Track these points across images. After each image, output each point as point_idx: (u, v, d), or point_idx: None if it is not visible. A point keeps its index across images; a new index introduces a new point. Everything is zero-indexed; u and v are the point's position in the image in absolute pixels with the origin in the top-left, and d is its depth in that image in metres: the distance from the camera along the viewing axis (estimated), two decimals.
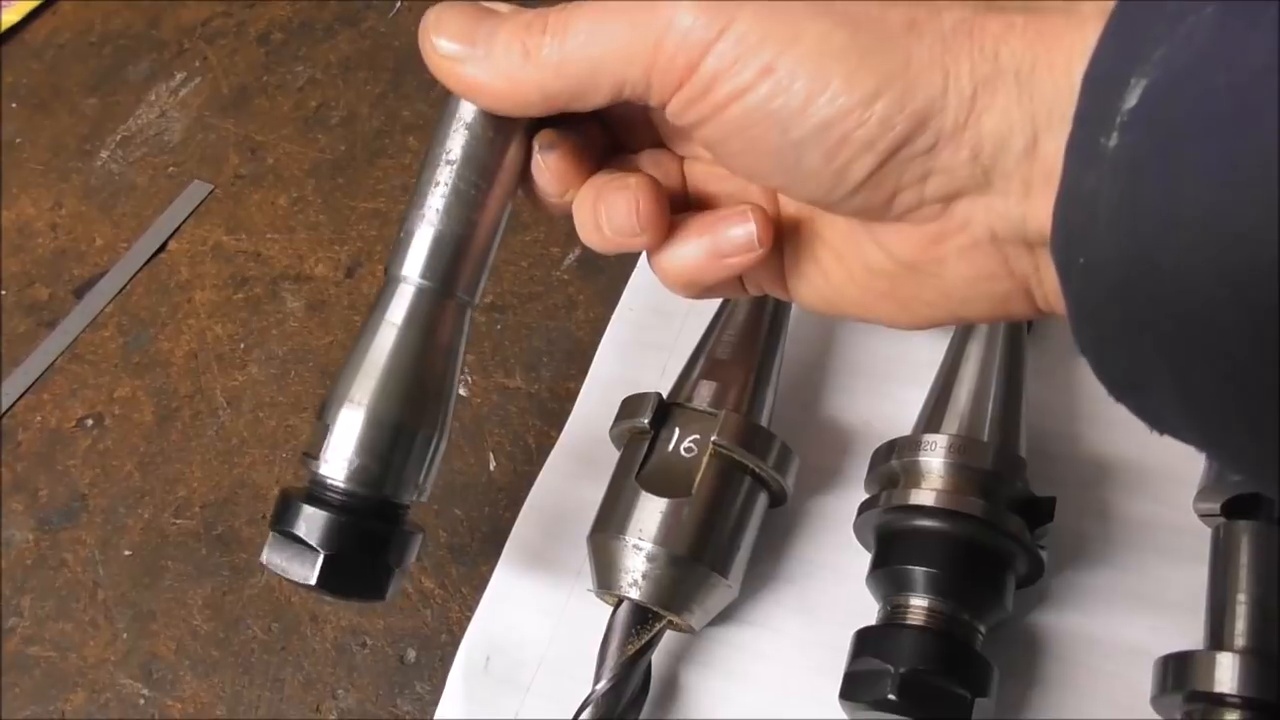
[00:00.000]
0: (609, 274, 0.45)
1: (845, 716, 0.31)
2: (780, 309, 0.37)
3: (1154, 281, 0.18)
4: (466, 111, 0.26)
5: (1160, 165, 0.18)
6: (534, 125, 0.27)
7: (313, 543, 0.27)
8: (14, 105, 0.60)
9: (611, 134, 0.29)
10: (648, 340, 0.42)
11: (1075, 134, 0.19)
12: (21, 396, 0.46)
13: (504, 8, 0.26)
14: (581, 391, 0.41)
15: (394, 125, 0.53)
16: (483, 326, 0.44)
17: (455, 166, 0.26)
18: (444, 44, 0.25)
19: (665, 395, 0.35)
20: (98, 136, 0.57)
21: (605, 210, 0.27)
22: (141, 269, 0.50)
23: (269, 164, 0.53)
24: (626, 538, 0.32)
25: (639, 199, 0.26)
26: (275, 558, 0.28)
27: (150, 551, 0.40)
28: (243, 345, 0.46)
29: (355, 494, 0.28)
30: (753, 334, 0.36)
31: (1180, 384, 0.19)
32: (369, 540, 0.28)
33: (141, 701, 0.37)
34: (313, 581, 0.28)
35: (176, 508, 0.41)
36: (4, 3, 0.65)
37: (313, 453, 0.28)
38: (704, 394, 0.34)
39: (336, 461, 0.27)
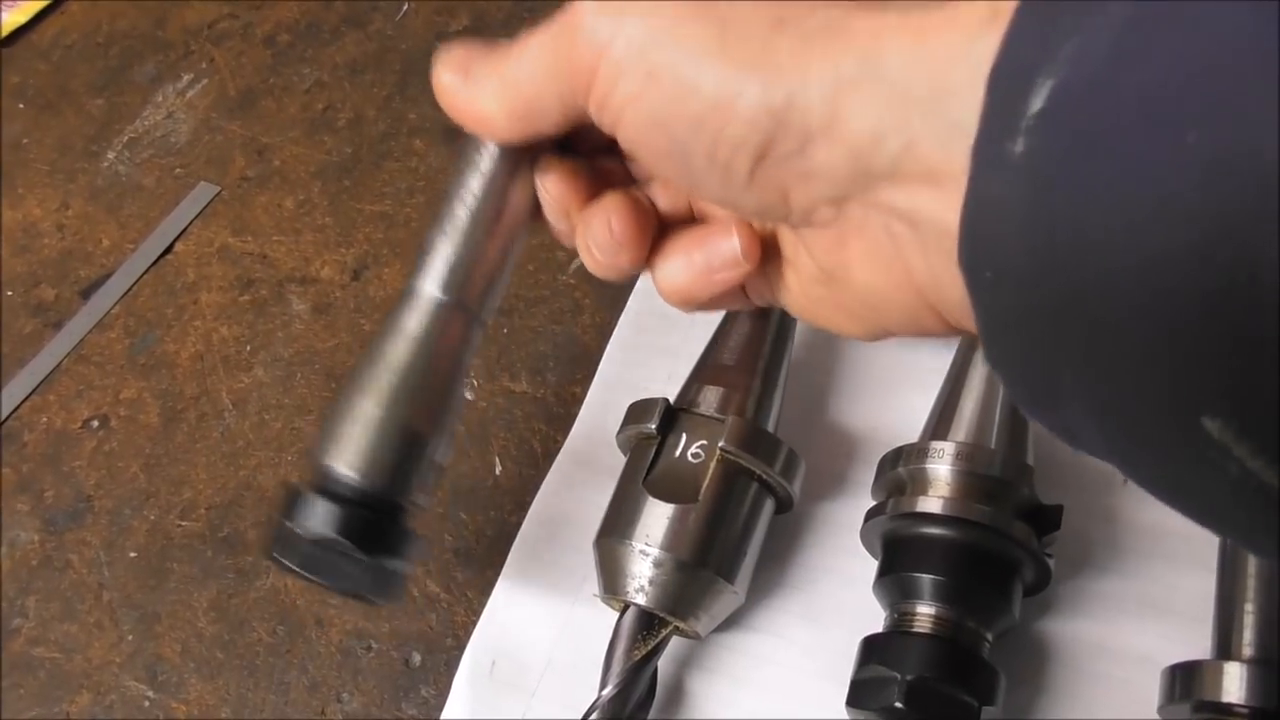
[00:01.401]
0: None
1: None
2: (786, 315, 0.37)
3: (1065, 292, 0.17)
4: (480, 147, 0.29)
5: (1069, 173, 0.17)
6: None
7: (337, 537, 0.28)
8: (21, 105, 0.60)
9: (624, 164, 0.31)
10: (654, 345, 0.42)
11: (980, 138, 0.18)
12: (27, 398, 0.46)
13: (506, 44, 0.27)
14: (587, 396, 0.41)
15: (400, 128, 0.53)
16: (489, 330, 0.44)
17: (473, 195, 0.28)
18: (444, 75, 0.27)
19: (672, 400, 0.35)
20: (104, 137, 0.57)
21: (586, 230, 0.28)
22: (148, 270, 0.50)
23: (275, 166, 0.53)
24: (633, 543, 0.32)
25: (611, 218, 0.28)
26: (287, 553, 0.28)
27: (156, 553, 0.40)
28: (249, 347, 0.46)
29: (369, 493, 0.28)
30: (759, 339, 0.36)
31: (1092, 399, 0.18)
32: (387, 539, 0.29)
33: (146, 704, 0.37)
34: (335, 582, 0.28)
35: (182, 510, 0.42)
36: (11, 3, 0.66)
37: (324, 452, 0.28)
38: (710, 399, 0.34)
39: (351, 460, 0.28)
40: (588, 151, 0.30)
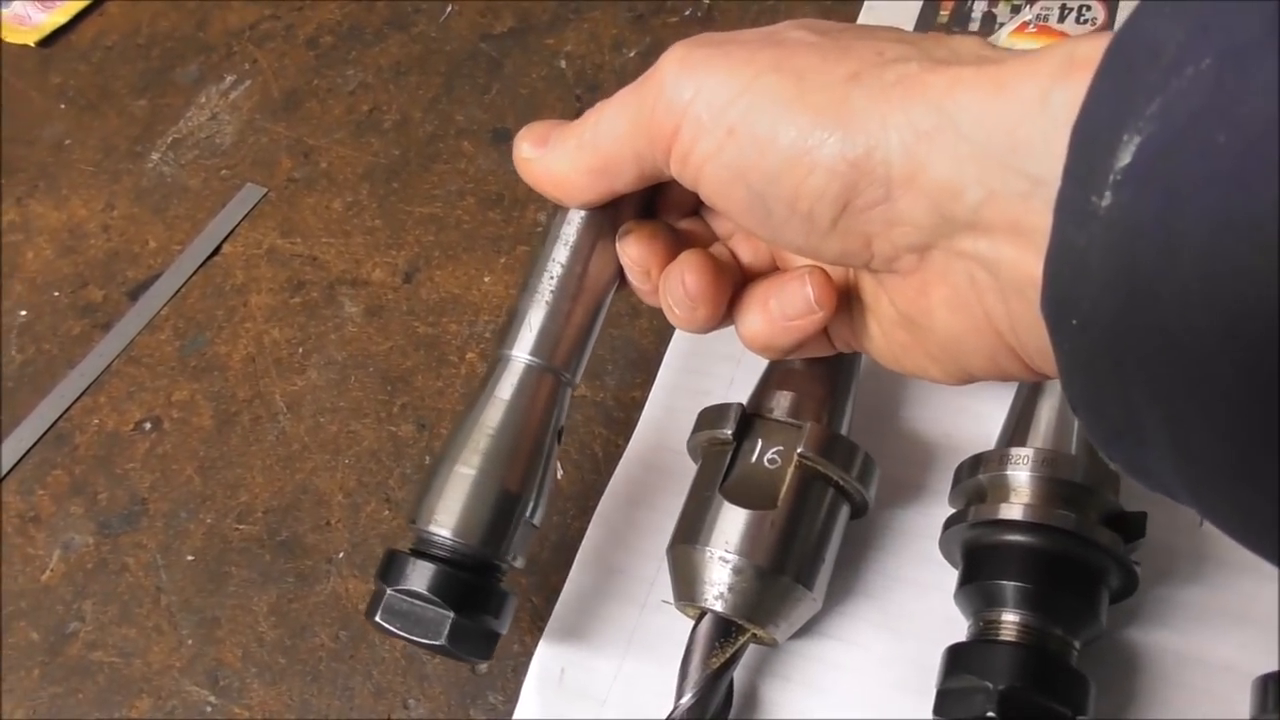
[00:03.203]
0: None
1: None
2: None
3: (1150, 339, 0.18)
4: (565, 217, 0.31)
5: (1157, 226, 0.17)
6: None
7: (440, 600, 0.29)
8: (62, 106, 0.60)
9: (706, 224, 0.32)
10: (714, 350, 0.41)
11: (1064, 191, 0.19)
12: (78, 399, 0.46)
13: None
14: (648, 400, 0.41)
15: (448, 129, 0.53)
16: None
17: (559, 264, 0.30)
18: (524, 148, 0.29)
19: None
20: (148, 138, 0.57)
21: (665, 288, 0.29)
22: (196, 272, 0.50)
23: (322, 168, 0.53)
24: (711, 549, 0.31)
25: (686, 274, 0.29)
26: (387, 616, 0.29)
27: (213, 557, 0.40)
28: (301, 350, 0.46)
29: (464, 554, 0.29)
30: None
31: (1174, 437, 0.18)
32: (480, 599, 0.30)
33: (208, 709, 0.36)
34: (441, 642, 0.29)
35: (239, 513, 0.41)
36: (49, 4, 0.65)
37: (420, 514, 0.30)
38: (783, 404, 0.34)
39: (446, 521, 0.29)
40: (670, 215, 0.32)
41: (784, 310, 0.28)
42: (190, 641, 0.38)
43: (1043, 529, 0.30)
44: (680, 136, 0.25)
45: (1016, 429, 0.34)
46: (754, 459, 0.33)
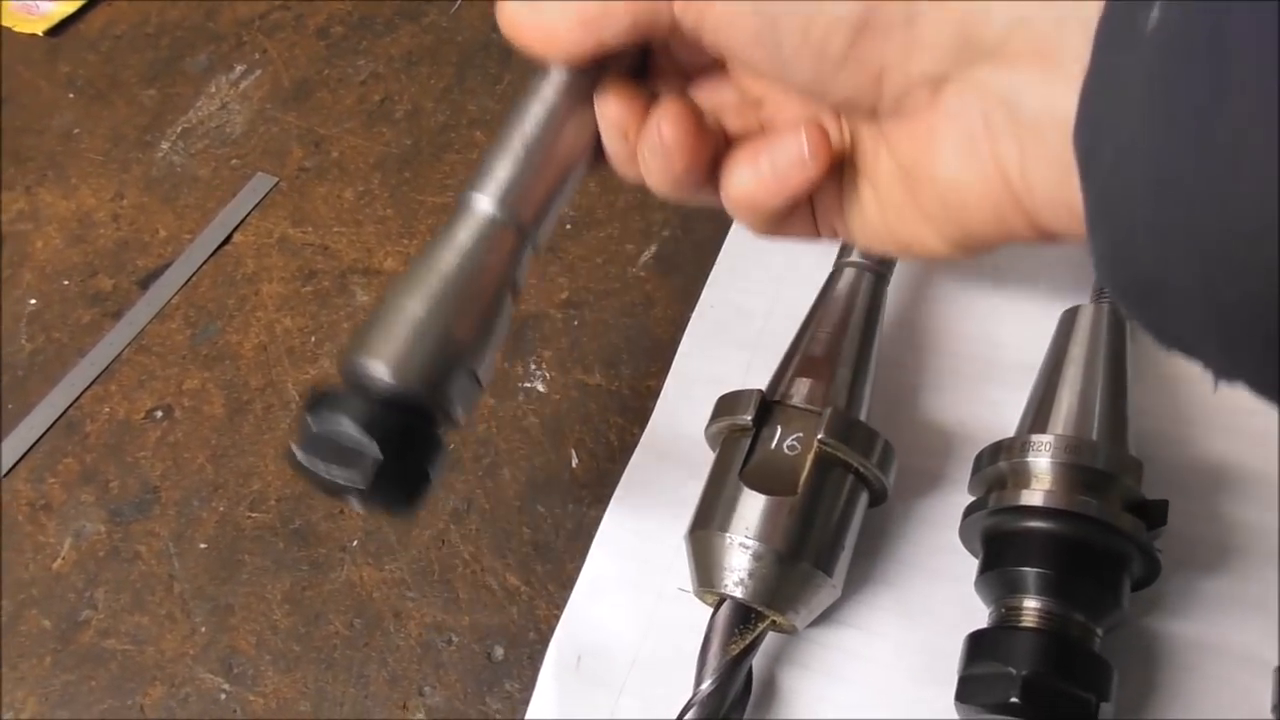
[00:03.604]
0: (686, 272, 0.44)
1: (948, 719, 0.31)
2: (874, 307, 0.37)
3: (1193, 171, 0.16)
4: (546, 73, 0.29)
5: (1206, 45, 0.16)
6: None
7: (366, 437, 0.26)
8: (71, 95, 0.60)
9: (693, 101, 0.29)
10: (730, 339, 0.41)
11: (1109, 12, 0.17)
12: (88, 387, 0.46)
13: None
14: (664, 389, 0.41)
15: (460, 120, 0.53)
16: (559, 323, 0.44)
17: (534, 119, 0.28)
18: (510, 8, 0.27)
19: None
20: (158, 128, 0.57)
21: (642, 142, 0.28)
22: (207, 261, 0.50)
23: (334, 157, 0.53)
24: (731, 535, 0.31)
25: (661, 123, 0.27)
26: (311, 455, 0.27)
27: (226, 545, 0.40)
28: (313, 339, 0.46)
29: (401, 394, 0.27)
30: (848, 331, 0.36)
31: (1207, 285, 0.17)
32: (414, 442, 0.27)
33: (223, 696, 0.36)
34: (363, 484, 0.26)
35: (251, 501, 0.41)
36: None
37: (356, 349, 0.27)
38: (802, 391, 0.34)
39: (385, 358, 0.27)
40: (655, 84, 0.30)
41: (775, 164, 0.27)
42: (203, 629, 0.38)
43: (1064, 515, 0.30)
44: None
45: (1037, 415, 0.33)
46: (773, 445, 0.33)
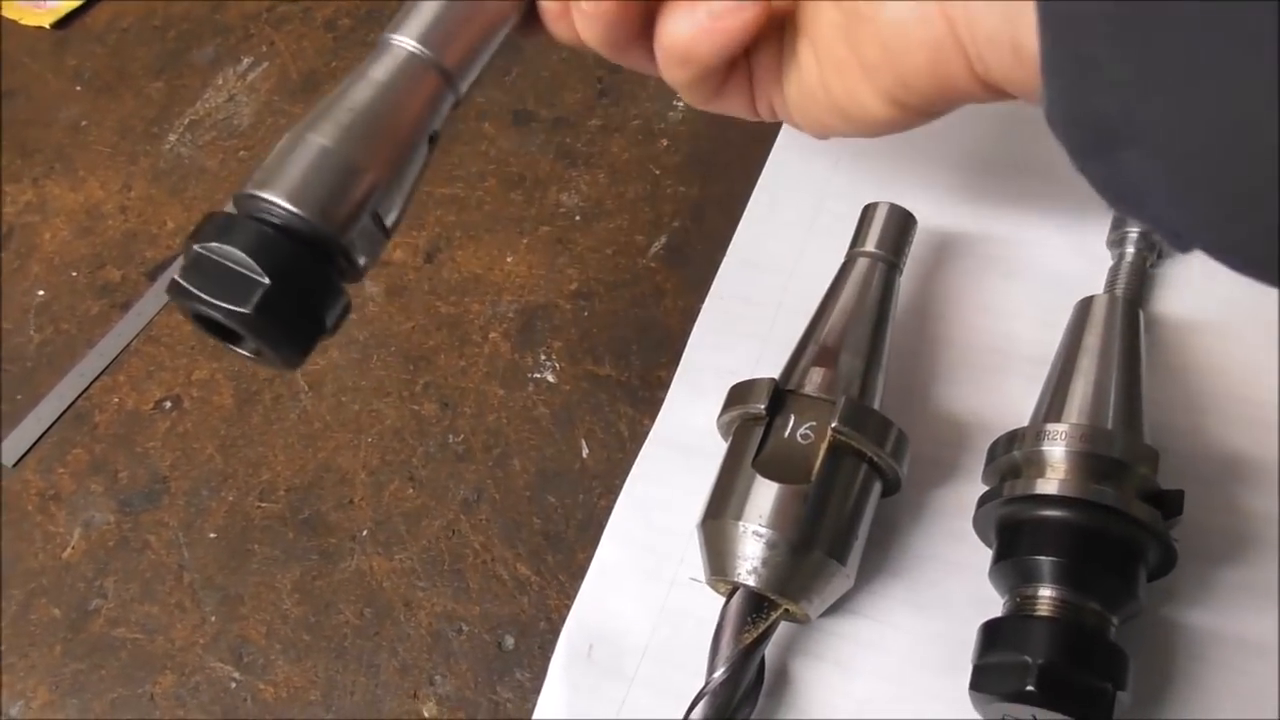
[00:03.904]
0: (696, 263, 0.44)
1: (956, 711, 0.31)
2: (886, 296, 0.37)
3: (1155, 6, 0.15)
4: None
5: None
6: None
7: (254, 262, 0.24)
8: (78, 88, 0.60)
9: None
10: (741, 330, 0.41)
11: None
12: (97, 378, 0.46)
13: None
14: (674, 380, 0.40)
15: (468, 111, 0.53)
16: (569, 313, 0.44)
17: None
18: None
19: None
20: (165, 120, 0.56)
21: None
22: None
23: None
24: (744, 523, 0.31)
25: None
26: (194, 279, 0.24)
27: (236, 535, 0.40)
28: None
29: (297, 225, 0.25)
30: (860, 321, 0.36)
31: (1166, 130, 0.16)
32: (306, 277, 0.25)
33: (233, 685, 0.36)
34: (247, 309, 0.24)
35: (261, 491, 0.41)
36: None
37: (254, 178, 0.25)
38: (815, 380, 0.34)
39: (284, 186, 0.25)
40: None
41: (711, 7, 0.25)
42: (213, 618, 0.38)
43: (1079, 504, 0.30)
44: None
45: (1051, 404, 0.33)
46: (786, 434, 0.33)
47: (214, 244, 0.24)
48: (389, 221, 0.27)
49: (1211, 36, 0.15)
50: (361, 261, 0.27)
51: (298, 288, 0.25)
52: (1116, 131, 0.17)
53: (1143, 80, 0.16)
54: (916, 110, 0.25)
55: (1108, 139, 0.17)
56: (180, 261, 0.25)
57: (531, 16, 0.29)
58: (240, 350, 0.27)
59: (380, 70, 0.27)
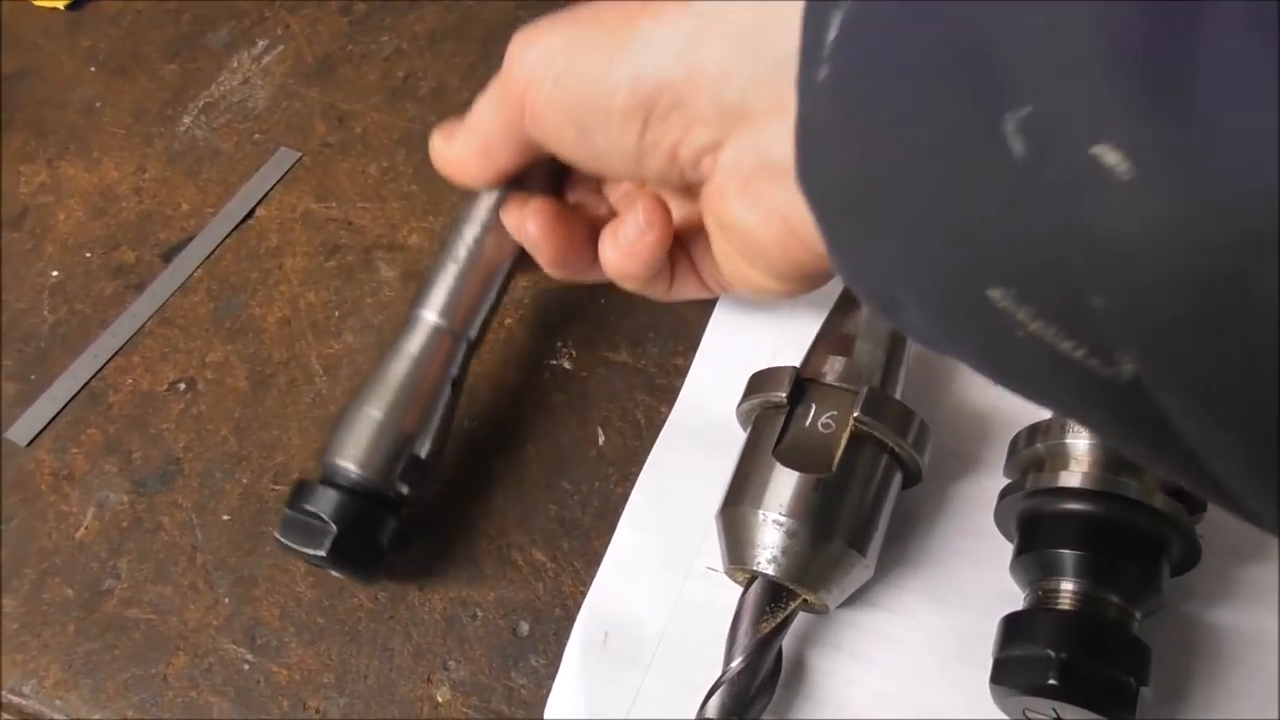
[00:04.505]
0: None
1: (975, 705, 0.30)
2: None
3: (884, 201, 0.19)
4: (477, 198, 0.36)
5: (863, 90, 0.19)
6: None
7: (325, 518, 0.33)
8: (92, 69, 0.60)
9: (602, 196, 0.36)
10: (758, 319, 0.41)
11: (799, 68, 0.20)
12: (111, 359, 0.46)
13: None
14: (691, 368, 0.40)
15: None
16: (585, 301, 0.43)
17: (467, 238, 0.35)
18: (434, 142, 0.35)
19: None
20: (180, 102, 0.56)
21: (523, 240, 0.34)
22: (230, 235, 0.49)
23: (357, 133, 0.52)
24: (764, 512, 0.31)
25: (526, 221, 0.33)
26: (287, 534, 0.33)
27: (250, 517, 0.40)
28: (337, 313, 0.45)
29: (357, 482, 0.34)
30: None
31: (912, 286, 0.19)
32: (371, 520, 0.34)
33: (246, 666, 0.36)
34: (322, 553, 0.33)
35: (275, 474, 0.41)
36: None
37: (331, 449, 0.34)
38: (836, 369, 0.34)
39: (354, 457, 0.34)
40: (574, 195, 0.36)
41: (625, 235, 0.32)
42: (227, 600, 0.38)
43: (1103, 496, 0.30)
44: (527, 94, 0.29)
45: None
46: (808, 423, 0.33)
47: (297, 505, 0.34)
48: (425, 455, 0.35)
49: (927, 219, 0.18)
50: (405, 491, 0.35)
51: (360, 530, 0.34)
52: (891, 297, 0.21)
53: (891, 263, 0.20)
54: (807, 280, 0.30)
55: (889, 303, 0.21)
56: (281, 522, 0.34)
57: (523, 260, 0.36)
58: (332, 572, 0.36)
59: (413, 344, 0.35)
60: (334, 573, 0.36)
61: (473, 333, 0.36)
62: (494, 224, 0.35)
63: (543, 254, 0.34)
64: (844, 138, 0.20)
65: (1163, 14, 0.14)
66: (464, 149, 0.33)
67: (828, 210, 0.21)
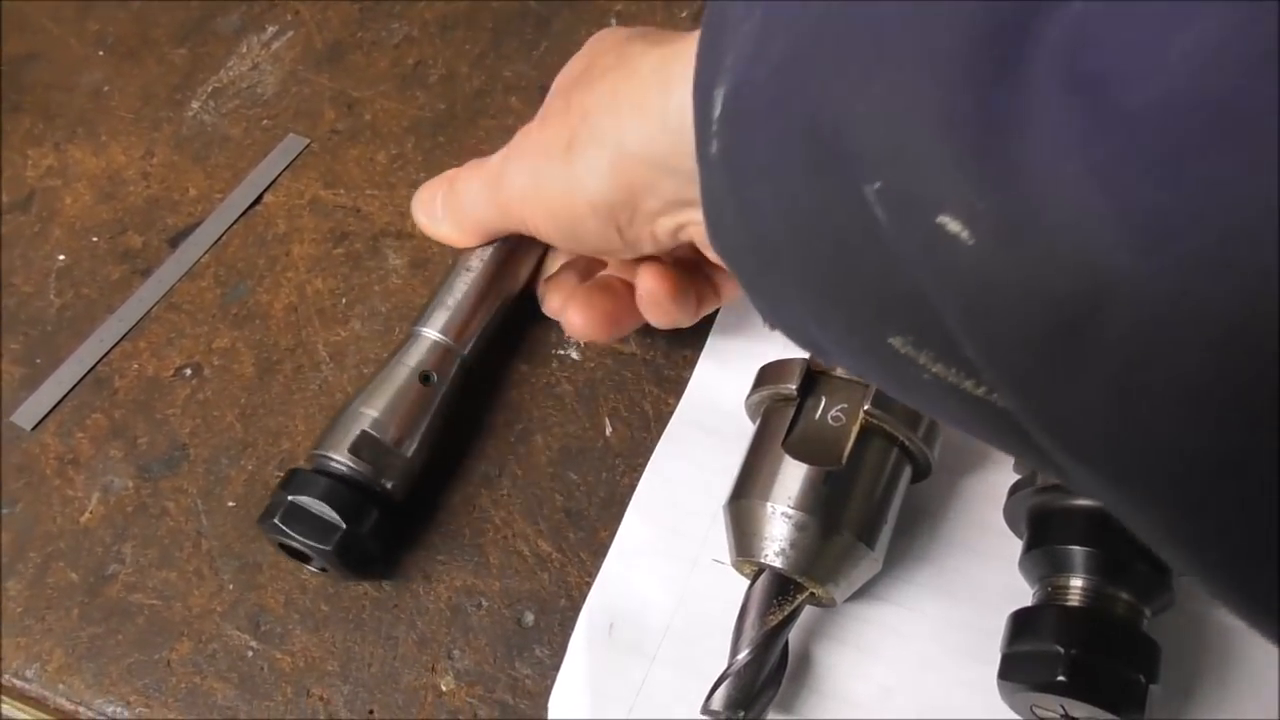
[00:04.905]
0: None
1: (982, 700, 0.30)
2: None
3: (781, 262, 0.21)
4: (472, 250, 0.39)
5: (744, 163, 0.20)
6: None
7: (333, 514, 0.34)
8: (101, 54, 0.59)
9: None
10: None
11: (696, 146, 0.22)
12: (117, 344, 0.46)
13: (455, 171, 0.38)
14: (699, 360, 0.40)
15: (495, 85, 0.52)
16: None
17: (471, 274, 0.39)
18: (420, 219, 0.39)
19: None
20: (188, 87, 0.56)
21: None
22: (238, 221, 0.49)
23: (366, 120, 0.52)
24: (773, 504, 0.31)
25: (568, 312, 0.36)
26: (290, 524, 0.34)
27: (255, 503, 0.40)
28: (344, 300, 0.45)
29: (359, 475, 0.35)
30: None
31: (824, 334, 0.21)
32: (374, 519, 0.35)
33: (250, 653, 0.36)
34: (329, 547, 0.34)
35: (281, 460, 0.41)
36: None
37: (331, 446, 0.36)
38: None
39: (348, 448, 0.35)
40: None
41: (661, 319, 0.36)
42: (231, 586, 0.38)
43: None
44: (514, 203, 0.34)
45: None
46: (817, 415, 0.32)
47: (291, 490, 0.35)
48: (412, 454, 0.36)
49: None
50: (393, 488, 0.36)
51: (360, 523, 0.35)
52: (802, 330, 0.22)
53: (797, 308, 0.22)
54: None
55: (807, 340, 0.23)
56: (275, 508, 0.35)
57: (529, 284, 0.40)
58: (310, 568, 0.37)
59: (413, 357, 0.38)
60: (321, 566, 0.36)
61: (468, 350, 0.38)
62: (498, 265, 0.39)
63: (582, 335, 0.37)
64: (738, 205, 0.21)
65: (990, 68, 0.15)
66: (458, 233, 0.38)
67: (739, 267, 0.23)
